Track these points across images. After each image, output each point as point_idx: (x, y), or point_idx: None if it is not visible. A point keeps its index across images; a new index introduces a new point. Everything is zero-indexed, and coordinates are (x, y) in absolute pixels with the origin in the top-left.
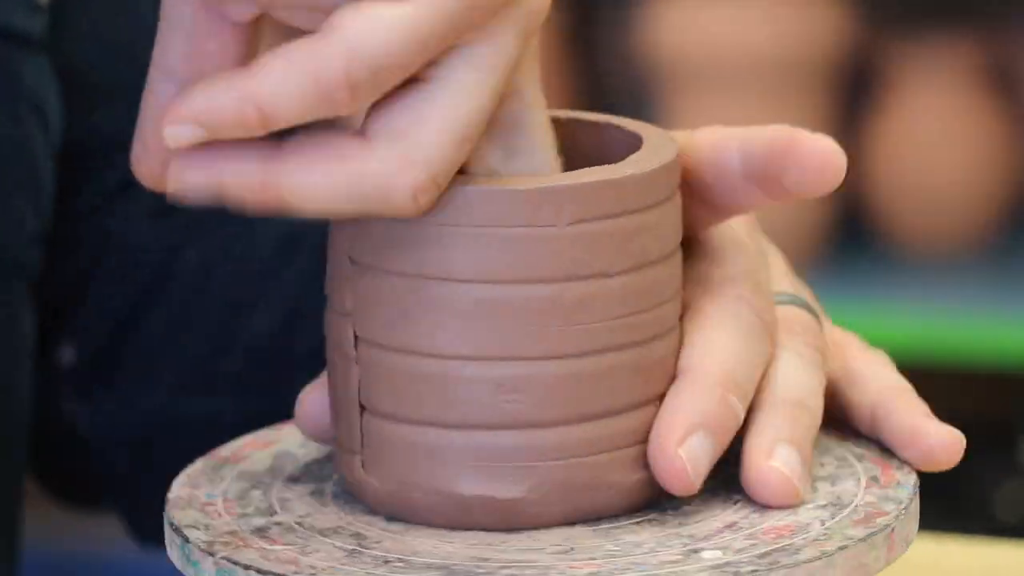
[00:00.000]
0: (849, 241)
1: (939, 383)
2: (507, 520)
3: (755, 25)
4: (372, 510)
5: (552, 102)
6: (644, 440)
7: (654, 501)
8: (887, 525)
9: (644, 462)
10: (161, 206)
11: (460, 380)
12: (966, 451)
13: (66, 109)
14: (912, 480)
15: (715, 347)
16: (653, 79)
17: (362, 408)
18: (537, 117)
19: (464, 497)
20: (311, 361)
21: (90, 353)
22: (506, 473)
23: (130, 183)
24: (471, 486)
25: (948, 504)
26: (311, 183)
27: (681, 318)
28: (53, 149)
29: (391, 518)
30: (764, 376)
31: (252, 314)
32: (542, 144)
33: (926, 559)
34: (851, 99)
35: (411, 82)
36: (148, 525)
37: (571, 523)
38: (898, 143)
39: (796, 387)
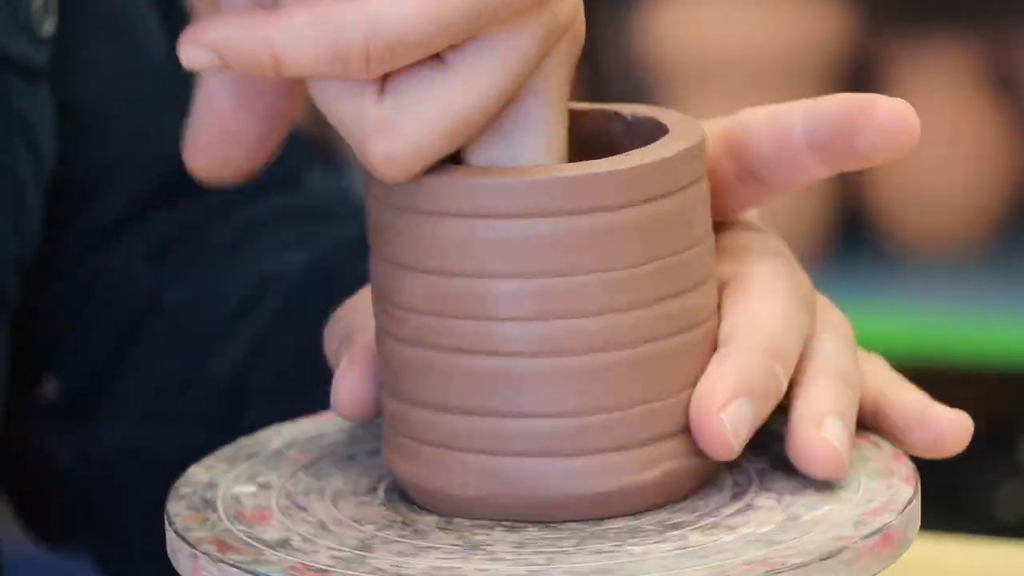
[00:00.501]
0: (849, 241)
1: (939, 383)
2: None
3: (755, 25)
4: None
5: None
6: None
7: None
8: (886, 525)
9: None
10: (153, 247)
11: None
12: (966, 451)
13: (63, 142)
14: (912, 480)
15: (759, 317)
16: (653, 78)
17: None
18: (553, 121)
19: None
20: (267, 396)
21: (74, 387)
22: None
23: (124, 221)
24: None
25: (948, 504)
26: (320, 85)
27: (721, 291)
28: (43, 179)
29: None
30: (807, 349)
31: (220, 351)
32: (552, 147)
33: (926, 559)
34: None
35: (432, 57)
36: (116, 560)
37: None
38: None
39: (840, 362)
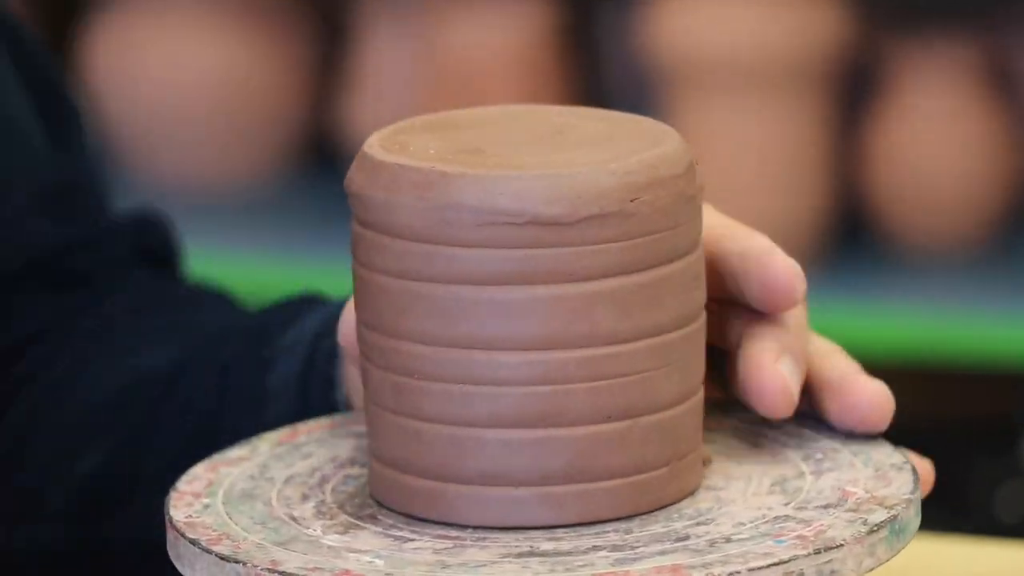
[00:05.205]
0: (849, 241)
1: (939, 383)
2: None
3: (755, 25)
4: None
5: (552, 103)
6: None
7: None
8: (887, 524)
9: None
10: (18, 337)
11: None
12: (966, 451)
13: None
14: (912, 480)
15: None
16: (654, 79)
17: None
18: None
19: None
20: (141, 491)
21: None
22: None
23: None
24: None
25: (948, 504)
26: None
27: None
28: None
29: None
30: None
31: (84, 452)
32: None
33: (926, 559)
34: (851, 99)
35: None
36: None
37: None
38: (898, 143)
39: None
